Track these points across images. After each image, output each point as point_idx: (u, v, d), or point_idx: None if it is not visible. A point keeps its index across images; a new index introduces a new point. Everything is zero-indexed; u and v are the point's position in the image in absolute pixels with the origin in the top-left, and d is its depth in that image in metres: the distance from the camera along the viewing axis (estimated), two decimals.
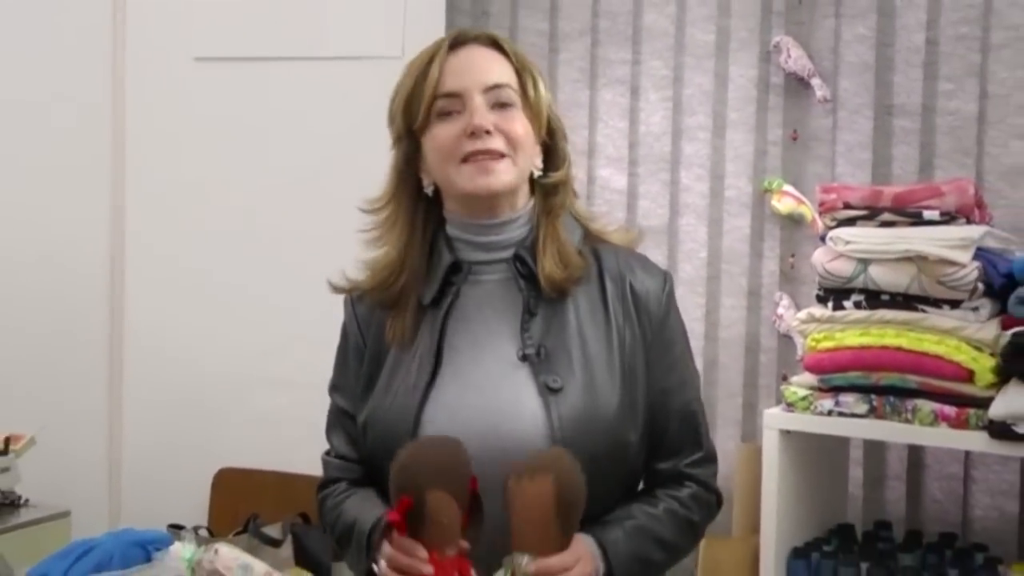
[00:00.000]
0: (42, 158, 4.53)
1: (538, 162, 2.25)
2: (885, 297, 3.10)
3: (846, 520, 3.45)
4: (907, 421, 3.06)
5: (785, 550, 3.21)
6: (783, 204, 3.60)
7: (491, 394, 2.17)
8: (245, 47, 4.53)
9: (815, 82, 3.58)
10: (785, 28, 3.61)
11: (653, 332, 2.26)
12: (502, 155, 2.16)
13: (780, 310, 3.62)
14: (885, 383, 3.08)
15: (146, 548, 3.71)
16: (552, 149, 2.27)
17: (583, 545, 2.10)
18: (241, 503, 4.34)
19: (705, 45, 3.72)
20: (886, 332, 3.08)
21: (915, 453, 3.49)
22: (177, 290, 4.66)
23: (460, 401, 2.18)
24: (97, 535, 3.78)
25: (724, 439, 3.68)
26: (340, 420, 2.36)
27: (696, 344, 3.65)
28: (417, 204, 2.28)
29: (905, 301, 3.08)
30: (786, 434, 3.18)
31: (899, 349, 3.05)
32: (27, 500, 4.10)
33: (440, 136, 2.18)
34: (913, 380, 3.05)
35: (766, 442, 3.19)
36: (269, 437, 4.43)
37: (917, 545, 3.28)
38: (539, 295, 2.22)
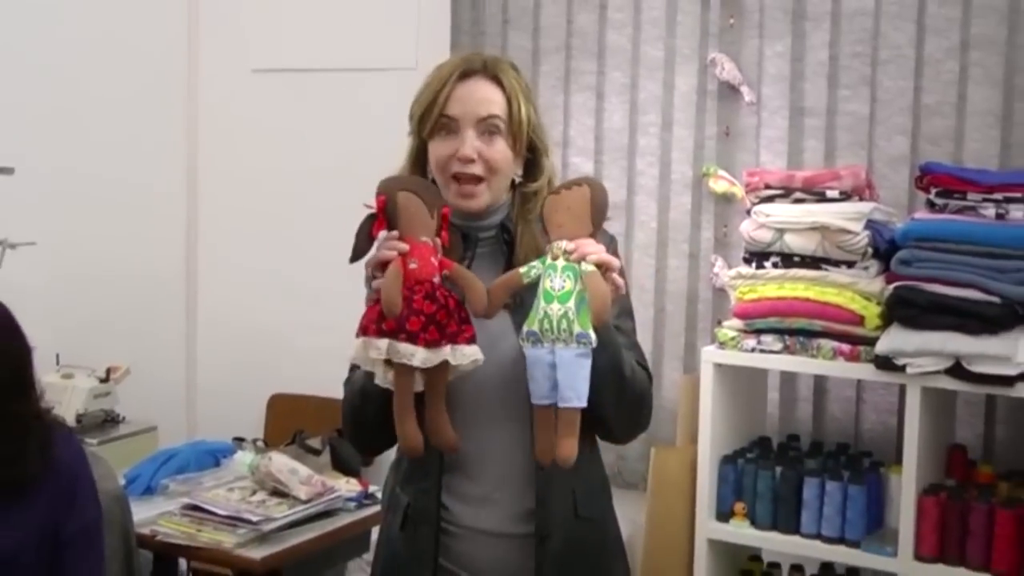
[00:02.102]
0: (131, 147, 4.54)
1: (519, 171, 2.23)
2: (797, 259, 3.15)
3: (765, 433, 3.47)
4: (813, 356, 3.11)
5: (717, 457, 3.26)
6: (718, 185, 3.61)
7: (483, 334, 2.14)
8: (291, 60, 4.53)
9: (743, 89, 3.59)
10: (719, 46, 3.62)
11: None
12: (480, 179, 2.16)
13: (715, 269, 3.64)
14: (796, 326, 3.13)
15: (216, 455, 3.76)
16: (533, 162, 2.24)
17: None
18: (289, 421, 4.37)
19: (656, 59, 3.73)
20: (797, 286, 3.13)
21: (819, 381, 3.52)
22: (240, 256, 4.68)
23: None
24: (178, 445, 3.83)
25: (670, 371, 3.72)
26: None
27: (647, 296, 3.72)
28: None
29: (812, 262, 3.13)
30: (718, 367, 3.23)
31: (807, 300, 3.10)
32: (124, 417, 4.12)
33: (437, 151, 2.17)
34: (818, 324, 3.09)
35: (703, 373, 3.24)
36: (311, 370, 4.45)
37: (819, 452, 3.33)
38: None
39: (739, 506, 3.22)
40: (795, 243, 3.13)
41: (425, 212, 2.10)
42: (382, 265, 2.05)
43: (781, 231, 3.15)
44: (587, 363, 2.00)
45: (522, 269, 2.06)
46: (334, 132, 4.42)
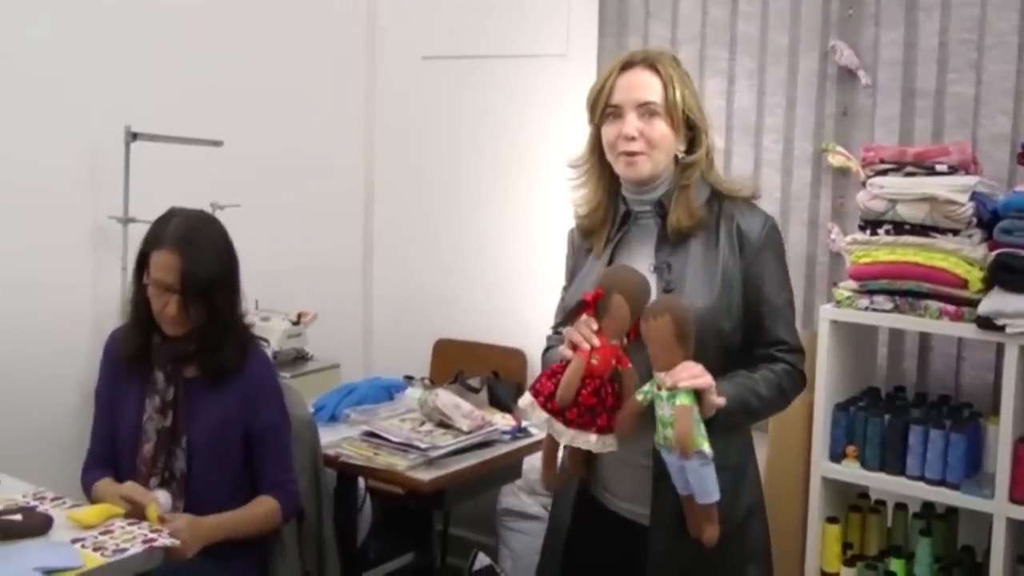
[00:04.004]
0: (318, 124, 4.62)
1: (681, 147, 2.28)
2: (907, 227, 3.07)
3: (874, 384, 3.42)
4: (920, 315, 3.04)
5: (832, 404, 3.22)
6: (836, 160, 3.56)
7: None
8: (455, 47, 4.56)
9: (860, 73, 3.52)
10: (839, 34, 3.55)
11: (751, 256, 2.25)
12: (642, 152, 2.22)
13: (832, 235, 3.59)
14: (905, 288, 3.06)
15: (390, 390, 3.84)
16: (694, 138, 2.29)
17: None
18: (452, 363, 4.44)
19: (781, 46, 3.67)
20: (907, 251, 3.06)
21: (924, 338, 3.45)
22: (411, 222, 4.75)
23: None
24: (357, 380, 3.92)
25: None
26: (560, 307, 2.46)
27: None
28: (603, 165, 2.34)
29: (921, 229, 3.04)
30: (835, 323, 3.17)
31: (916, 264, 3.03)
32: (312, 355, 4.22)
33: (607, 133, 2.26)
34: (925, 286, 3.02)
35: (820, 329, 3.19)
36: (471, 320, 4.51)
37: (923, 403, 3.27)
38: (671, 229, 2.26)
39: (850, 449, 3.18)
40: (906, 212, 3.05)
41: (627, 319, 2.14)
42: (573, 344, 2.14)
43: (893, 201, 3.07)
44: (710, 468, 2.08)
45: (638, 396, 2.11)
46: (491, 113, 4.44)
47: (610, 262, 2.31)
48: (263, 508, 2.81)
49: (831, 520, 3.23)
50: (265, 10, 4.30)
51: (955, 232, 3.00)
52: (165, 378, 2.79)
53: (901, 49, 3.44)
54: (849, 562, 3.20)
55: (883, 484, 3.15)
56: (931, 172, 3.08)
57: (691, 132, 2.28)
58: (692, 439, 2.03)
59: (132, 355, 2.82)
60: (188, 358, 2.80)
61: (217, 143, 3.82)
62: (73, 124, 3.64)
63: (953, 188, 2.98)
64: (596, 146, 2.33)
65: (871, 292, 3.13)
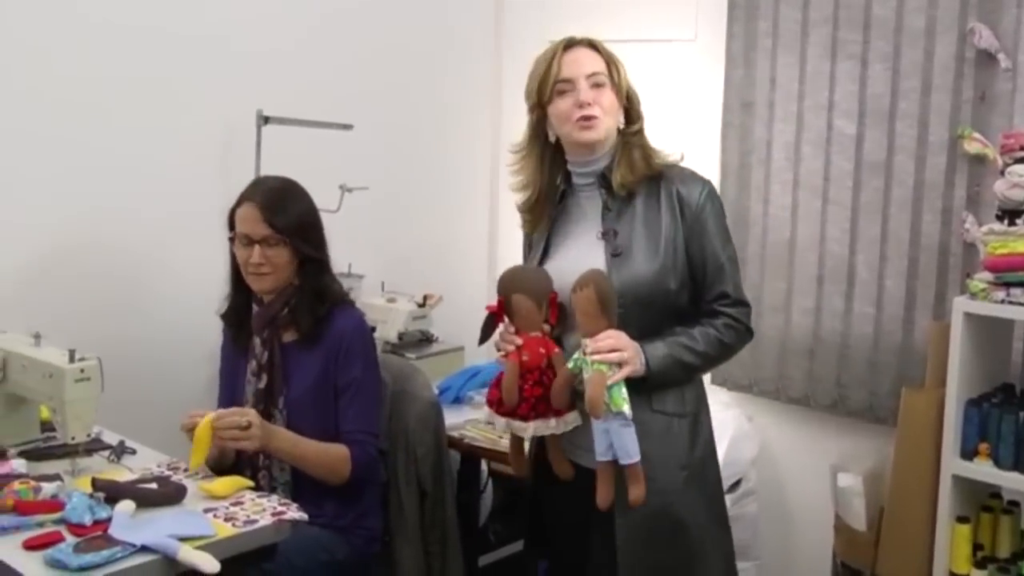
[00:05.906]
0: (446, 107, 4.65)
1: (621, 119, 2.51)
2: None
3: (1009, 380, 3.30)
4: None
5: (964, 399, 3.11)
6: (972, 147, 3.43)
7: (577, 260, 2.44)
8: (583, 31, 4.50)
9: (1000, 56, 3.37)
10: (979, 15, 3.41)
11: (691, 218, 2.45)
12: (597, 117, 2.44)
13: (967, 225, 3.45)
14: None
15: None
16: (631, 112, 2.52)
17: (629, 339, 2.33)
18: None
19: (917, 29, 3.54)
20: None
21: None
22: None
23: (557, 266, 2.50)
24: (481, 363, 3.93)
25: (920, 317, 3.56)
26: None
27: (903, 247, 3.59)
28: (544, 148, 2.57)
29: None
30: (968, 316, 3.07)
31: None
32: (437, 337, 4.23)
33: (560, 107, 2.47)
34: None
35: (953, 321, 3.08)
36: None
37: None
38: (614, 198, 2.48)
39: (983, 446, 3.07)
40: None
41: (534, 310, 2.40)
42: (505, 352, 2.41)
43: None
44: (630, 429, 2.27)
45: (568, 365, 2.33)
46: None
47: (550, 236, 2.57)
48: (335, 449, 2.89)
49: (961, 520, 3.13)
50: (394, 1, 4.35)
51: None
52: (261, 343, 2.94)
53: None
54: (980, 564, 3.10)
55: (1017, 484, 3.04)
56: None
57: (627, 107, 2.51)
58: (602, 403, 2.22)
59: (235, 326, 3.01)
60: (284, 323, 2.92)
61: (347, 127, 3.87)
62: (208, 108, 3.73)
63: None
64: (537, 131, 2.56)
65: (1008, 284, 3.01)
